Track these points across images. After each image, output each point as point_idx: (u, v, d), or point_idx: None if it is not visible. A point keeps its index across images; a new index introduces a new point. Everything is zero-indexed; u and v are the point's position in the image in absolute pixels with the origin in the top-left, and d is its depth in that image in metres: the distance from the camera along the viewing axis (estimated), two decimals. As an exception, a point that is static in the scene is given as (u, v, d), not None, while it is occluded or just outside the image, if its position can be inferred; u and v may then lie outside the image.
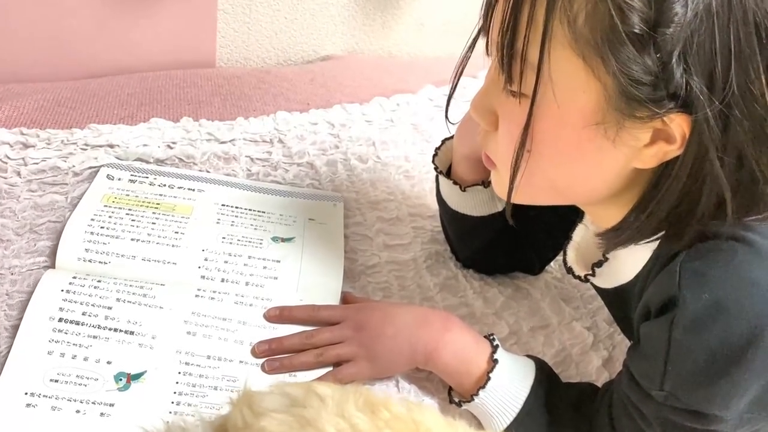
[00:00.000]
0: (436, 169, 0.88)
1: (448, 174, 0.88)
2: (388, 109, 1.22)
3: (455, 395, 0.76)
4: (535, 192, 0.65)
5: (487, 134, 0.67)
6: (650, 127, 0.56)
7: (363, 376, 0.77)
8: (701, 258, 0.60)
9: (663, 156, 0.58)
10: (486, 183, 0.85)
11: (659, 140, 0.57)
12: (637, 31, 0.52)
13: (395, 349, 0.76)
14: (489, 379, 0.72)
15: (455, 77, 0.71)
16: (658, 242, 0.63)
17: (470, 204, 0.87)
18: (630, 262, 0.67)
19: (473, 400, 0.73)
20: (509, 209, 0.66)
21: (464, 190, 0.86)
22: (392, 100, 1.23)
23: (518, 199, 0.65)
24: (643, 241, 0.63)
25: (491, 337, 0.76)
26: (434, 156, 0.89)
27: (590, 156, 0.60)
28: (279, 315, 0.80)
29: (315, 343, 0.78)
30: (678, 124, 0.56)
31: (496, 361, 0.73)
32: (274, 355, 0.77)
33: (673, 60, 0.53)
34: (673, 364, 0.60)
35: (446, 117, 0.79)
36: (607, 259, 0.70)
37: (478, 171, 0.85)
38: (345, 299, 0.86)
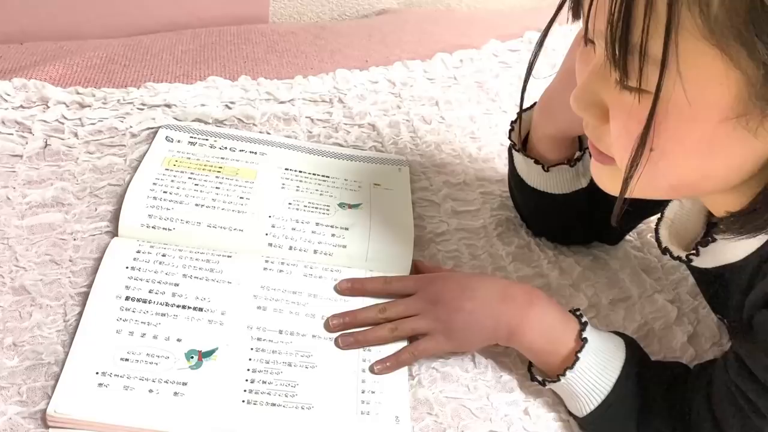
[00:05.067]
0: (514, 146, 0.82)
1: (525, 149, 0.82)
2: (451, 65, 1.16)
3: (537, 373, 0.72)
4: (653, 189, 0.58)
5: (596, 127, 0.59)
6: None
7: (440, 351, 0.73)
8: None
9: None
10: (572, 162, 0.80)
11: None
12: None
13: (475, 324, 0.72)
14: (578, 359, 0.68)
15: (529, 70, 0.66)
16: None
17: (552, 182, 0.82)
18: (742, 241, 0.61)
19: (559, 380, 0.69)
20: (618, 210, 0.58)
21: (547, 170, 0.80)
22: (455, 56, 1.17)
23: (633, 195, 0.57)
24: None
25: (578, 313, 0.72)
26: (510, 131, 0.83)
27: (725, 150, 0.53)
28: (350, 288, 0.77)
29: (389, 316, 0.74)
30: None
31: (585, 340, 0.69)
32: (347, 329, 0.74)
33: None
34: None
35: (521, 108, 0.74)
36: (715, 240, 0.64)
37: (562, 149, 0.80)
38: (416, 267, 0.82)
